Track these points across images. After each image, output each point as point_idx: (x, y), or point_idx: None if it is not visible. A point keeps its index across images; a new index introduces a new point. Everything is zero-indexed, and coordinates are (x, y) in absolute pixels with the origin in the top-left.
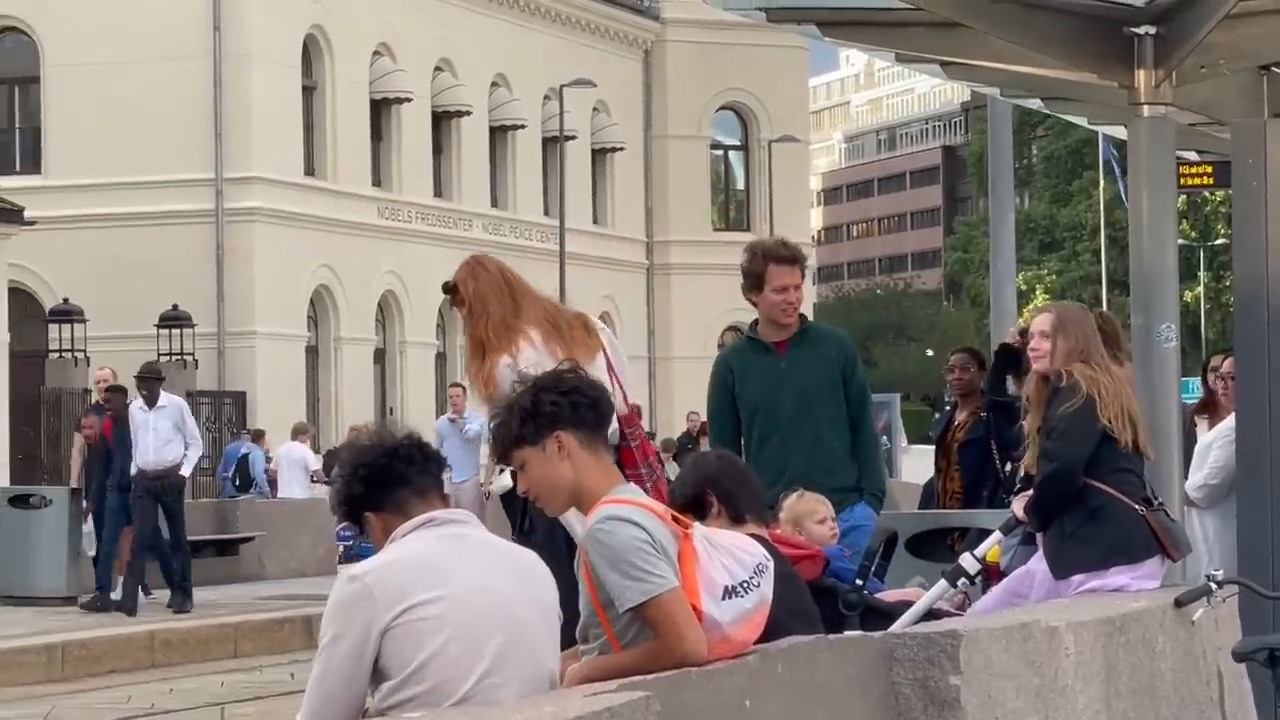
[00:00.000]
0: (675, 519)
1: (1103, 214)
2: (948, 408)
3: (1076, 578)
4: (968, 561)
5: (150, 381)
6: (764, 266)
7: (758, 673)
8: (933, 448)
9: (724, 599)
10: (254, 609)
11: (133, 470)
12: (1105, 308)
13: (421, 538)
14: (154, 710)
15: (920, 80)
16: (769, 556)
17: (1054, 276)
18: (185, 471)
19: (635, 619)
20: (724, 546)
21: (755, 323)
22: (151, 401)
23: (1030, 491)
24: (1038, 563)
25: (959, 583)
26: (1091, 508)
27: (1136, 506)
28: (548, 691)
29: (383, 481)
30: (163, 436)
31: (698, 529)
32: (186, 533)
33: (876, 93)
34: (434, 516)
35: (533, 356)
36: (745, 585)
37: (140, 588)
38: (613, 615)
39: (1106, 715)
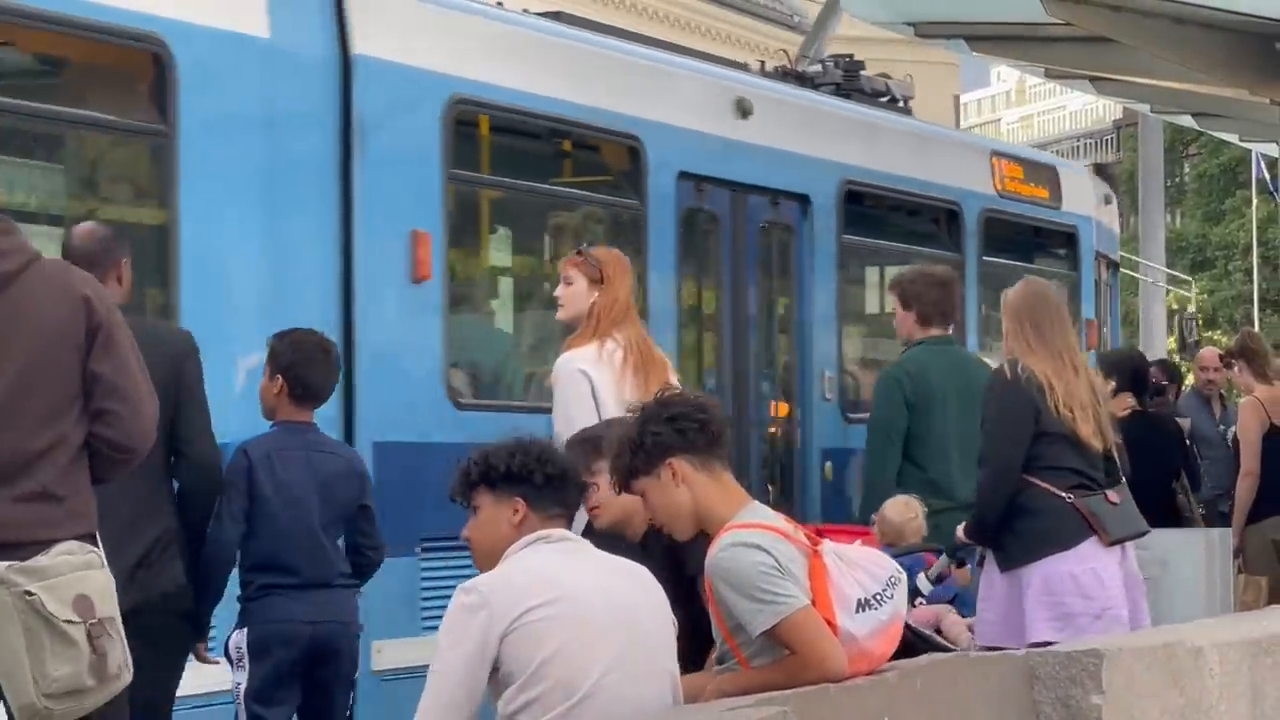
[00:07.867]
0: (808, 536)
1: (1255, 233)
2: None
3: (1020, 570)
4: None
5: None
6: None
7: (897, 689)
8: None
9: (858, 612)
10: None
11: None
12: (1256, 327)
13: (536, 552)
14: None
15: (1072, 98)
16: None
17: (1205, 295)
18: None
19: (769, 643)
20: (855, 561)
21: None
22: None
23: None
24: (990, 570)
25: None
26: (1018, 502)
27: (1062, 494)
28: (685, 705)
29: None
30: None
31: (826, 545)
32: None
33: (1027, 110)
34: (549, 534)
35: (597, 370)
36: (878, 598)
37: None
38: (743, 640)
39: None
